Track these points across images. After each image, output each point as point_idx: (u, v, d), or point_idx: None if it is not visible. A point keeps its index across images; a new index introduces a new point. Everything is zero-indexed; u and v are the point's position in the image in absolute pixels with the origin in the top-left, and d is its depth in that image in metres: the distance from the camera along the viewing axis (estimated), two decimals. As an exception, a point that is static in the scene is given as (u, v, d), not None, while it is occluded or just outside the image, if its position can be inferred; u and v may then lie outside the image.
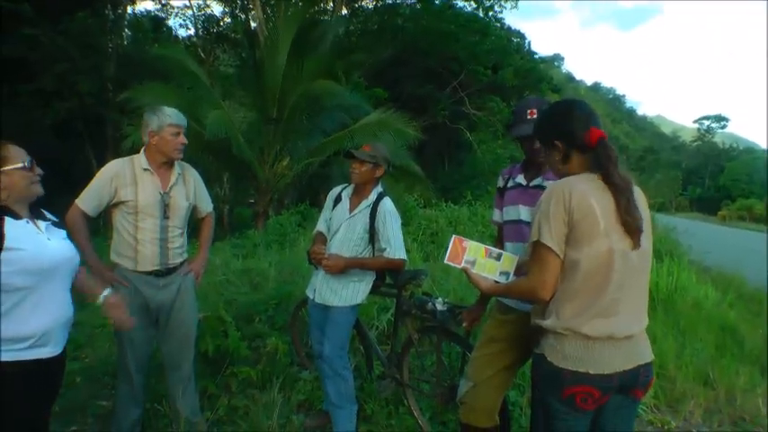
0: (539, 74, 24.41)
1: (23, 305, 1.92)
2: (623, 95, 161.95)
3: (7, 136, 2.16)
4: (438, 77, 21.09)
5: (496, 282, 2.02)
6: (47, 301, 1.98)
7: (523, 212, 2.35)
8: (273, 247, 8.56)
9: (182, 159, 2.96)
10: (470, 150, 21.60)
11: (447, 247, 2.10)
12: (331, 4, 19.27)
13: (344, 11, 21.15)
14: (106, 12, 17.42)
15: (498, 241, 2.59)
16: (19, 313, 1.91)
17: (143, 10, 21.84)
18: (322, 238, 3.26)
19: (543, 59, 30.30)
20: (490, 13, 22.90)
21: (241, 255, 7.89)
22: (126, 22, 18.73)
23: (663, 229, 12.08)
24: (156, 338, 3.03)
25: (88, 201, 2.78)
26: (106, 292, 2.28)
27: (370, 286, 3.17)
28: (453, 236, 2.13)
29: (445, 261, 2.10)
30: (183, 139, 2.86)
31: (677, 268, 6.64)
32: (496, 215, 2.58)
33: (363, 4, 22.72)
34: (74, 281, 2.19)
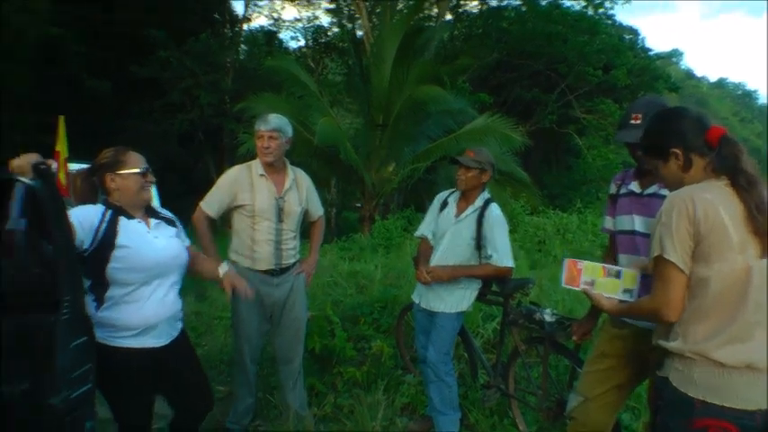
0: (654, 72, 22.71)
1: (130, 298, 2.10)
2: (755, 91, 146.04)
3: (144, 145, 2.40)
4: (545, 80, 20.40)
5: (621, 301, 1.90)
6: (149, 297, 2.15)
7: (638, 222, 2.19)
8: (379, 250, 8.73)
9: (271, 162, 3.00)
10: (579, 155, 20.68)
11: (562, 270, 2.02)
12: (436, 10, 19.30)
13: (449, 16, 21.12)
14: (225, 30, 18.88)
15: (610, 250, 2.45)
16: (125, 305, 2.10)
17: (257, 26, 23.23)
18: (427, 247, 3.26)
19: (659, 56, 28.05)
20: (600, 11, 21.78)
21: (348, 257, 8.10)
22: (242, 39, 20.09)
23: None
24: (270, 333, 3.20)
25: (211, 204, 3.00)
26: (224, 268, 2.47)
27: (476, 293, 3.14)
28: (566, 258, 2.04)
29: (563, 284, 2.02)
30: (264, 142, 2.94)
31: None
32: (608, 223, 2.42)
33: (468, 8, 22.55)
34: (193, 265, 2.39)
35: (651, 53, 25.31)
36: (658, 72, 23.25)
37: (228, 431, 3.15)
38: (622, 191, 2.33)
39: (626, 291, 1.91)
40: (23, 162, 1.68)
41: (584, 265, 1.98)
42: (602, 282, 1.94)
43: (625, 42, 23.24)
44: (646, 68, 22.25)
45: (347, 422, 3.23)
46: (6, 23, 11.27)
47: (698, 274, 1.58)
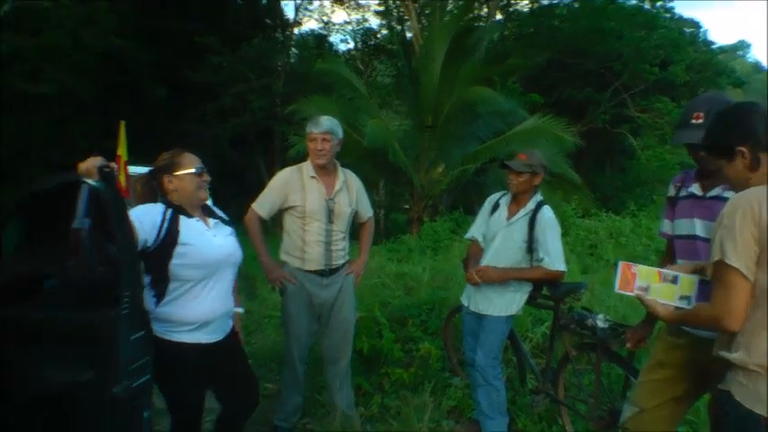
0: (717, 66, 21.49)
1: (188, 294, 2.18)
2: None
3: (198, 148, 2.49)
4: (598, 79, 19.78)
5: (677, 307, 1.81)
6: (207, 293, 2.23)
7: (699, 227, 2.08)
8: (427, 252, 8.71)
9: (323, 164, 3.03)
10: (633, 156, 19.91)
11: (616, 274, 1.95)
12: (485, 10, 19.07)
13: (499, 15, 20.82)
14: (276, 35, 19.28)
15: (667, 255, 2.35)
16: (183, 301, 2.17)
17: (307, 29, 23.61)
18: (477, 249, 3.23)
19: (723, 49, 26.55)
20: (658, 4, 20.83)
21: (396, 259, 8.13)
22: (292, 42, 20.46)
23: None
24: (318, 333, 3.25)
25: (263, 205, 3.08)
26: (239, 309, 2.59)
27: (526, 297, 3.09)
28: (620, 261, 1.96)
29: (616, 290, 1.95)
30: (318, 144, 2.98)
31: None
32: (666, 226, 2.31)
33: (518, 7, 22.18)
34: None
35: (714, 47, 24.11)
36: (721, 67, 22.11)
37: (277, 428, 3.21)
38: (682, 193, 2.22)
39: (683, 297, 1.82)
40: (89, 165, 1.78)
41: (639, 269, 1.90)
42: (657, 287, 1.86)
43: (685, 36, 22.16)
44: (707, 63, 21.22)
45: (394, 423, 3.24)
46: (73, 37, 11.97)
47: (763, 282, 1.49)
